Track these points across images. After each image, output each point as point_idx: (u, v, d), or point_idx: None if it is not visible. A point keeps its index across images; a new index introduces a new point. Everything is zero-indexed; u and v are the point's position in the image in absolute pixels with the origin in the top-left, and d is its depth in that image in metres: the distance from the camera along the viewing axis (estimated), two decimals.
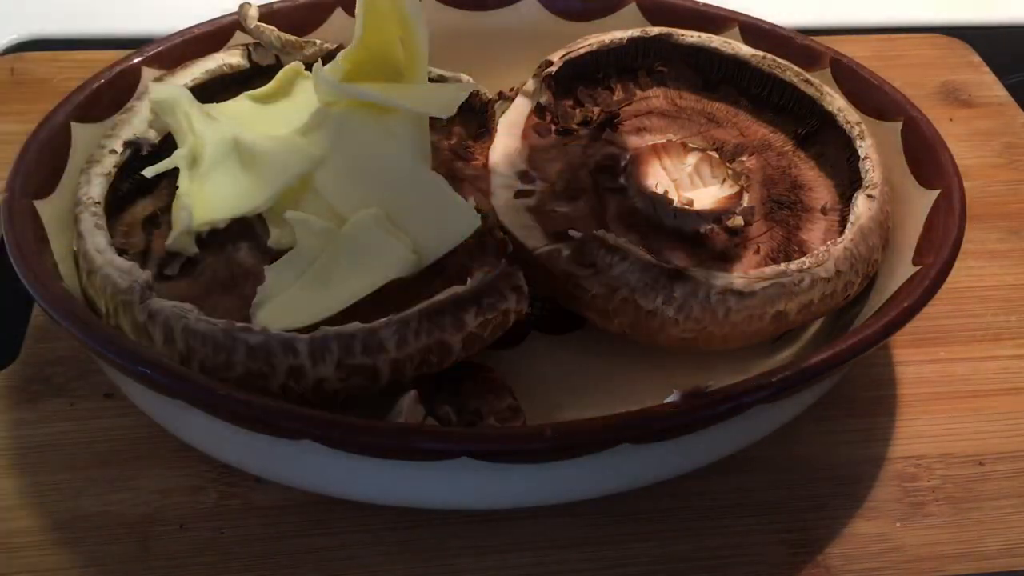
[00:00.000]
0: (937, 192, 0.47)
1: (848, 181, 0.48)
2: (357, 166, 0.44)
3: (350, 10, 0.53)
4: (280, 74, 0.49)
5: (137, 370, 0.37)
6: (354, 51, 0.45)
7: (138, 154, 0.47)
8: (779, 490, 0.44)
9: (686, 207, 0.46)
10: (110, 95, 0.49)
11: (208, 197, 0.44)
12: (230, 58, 0.51)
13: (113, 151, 0.46)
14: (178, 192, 0.44)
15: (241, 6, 0.52)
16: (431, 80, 0.51)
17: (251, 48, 0.52)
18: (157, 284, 0.41)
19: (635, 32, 0.53)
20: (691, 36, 0.53)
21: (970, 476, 0.45)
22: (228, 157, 0.45)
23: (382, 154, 0.44)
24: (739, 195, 0.47)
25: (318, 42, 0.52)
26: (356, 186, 0.43)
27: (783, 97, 0.52)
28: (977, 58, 0.70)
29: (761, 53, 0.52)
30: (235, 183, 0.44)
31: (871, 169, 0.47)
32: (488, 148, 0.49)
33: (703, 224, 0.46)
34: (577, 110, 0.51)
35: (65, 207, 0.45)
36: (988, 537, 0.43)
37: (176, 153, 0.45)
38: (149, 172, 0.45)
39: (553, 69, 0.51)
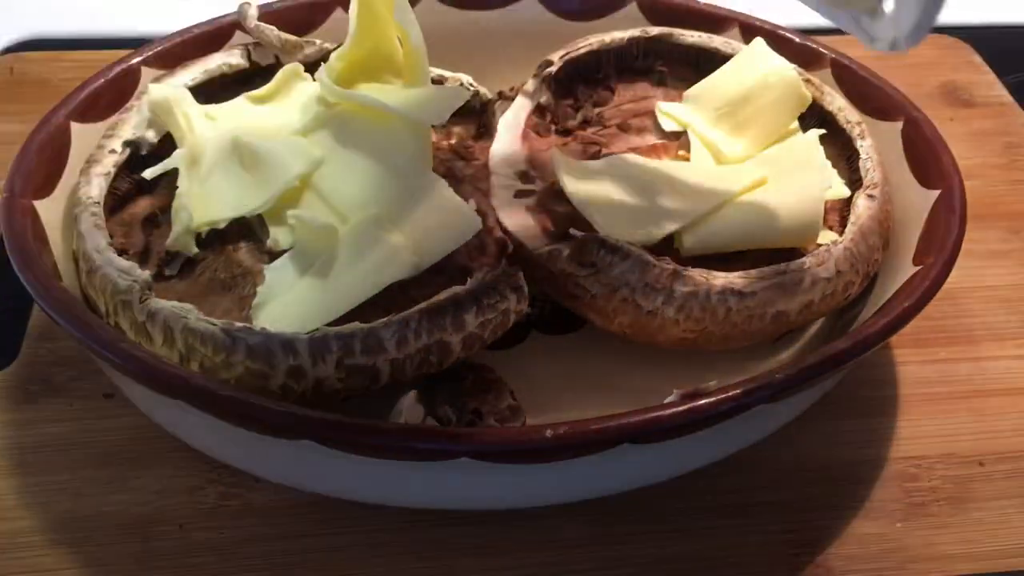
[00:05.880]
0: (937, 192, 0.47)
1: (848, 181, 0.48)
2: (357, 167, 0.44)
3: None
4: (280, 74, 0.49)
5: (137, 370, 0.37)
6: (348, 50, 0.45)
7: (138, 154, 0.47)
8: (779, 490, 0.44)
9: None
10: (110, 95, 0.49)
11: (208, 197, 0.44)
12: (230, 58, 0.51)
13: (113, 151, 0.46)
14: (178, 192, 0.44)
15: (241, 6, 0.52)
16: (432, 81, 0.50)
17: (251, 48, 0.52)
18: (157, 284, 0.41)
19: (635, 32, 0.53)
20: (691, 36, 0.53)
21: (970, 476, 0.45)
22: (228, 157, 0.44)
23: (383, 155, 0.44)
24: None
25: (318, 42, 0.52)
26: (356, 187, 0.43)
27: None
28: (977, 58, 0.70)
29: None
30: (235, 183, 0.44)
31: (871, 169, 0.47)
32: (488, 148, 0.49)
33: None
34: (577, 110, 0.51)
35: (65, 207, 0.45)
36: (988, 537, 0.43)
37: (175, 154, 0.45)
38: (149, 174, 0.45)
39: (553, 69, 0.51)
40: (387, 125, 0.44)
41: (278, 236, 0.43)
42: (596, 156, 0.48)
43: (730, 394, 0.37)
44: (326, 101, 0.46)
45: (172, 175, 0.45)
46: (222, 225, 0.43)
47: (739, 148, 0.48)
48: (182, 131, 0.46)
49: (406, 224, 0.42)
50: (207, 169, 0.44)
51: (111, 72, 0.49)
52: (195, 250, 0.43)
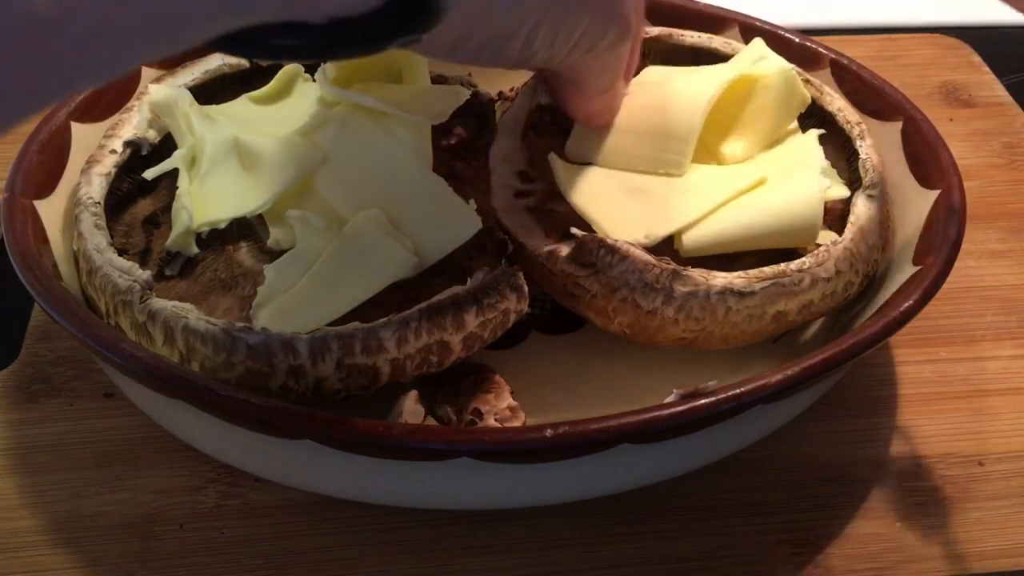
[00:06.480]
0: (937, 192, 0.47)
1: (848, 181, 0.48)
2: (358, 167, 0.44)
3: None
4: (280, 74, 0.49)
5: (137, 370, 0.37)
6: None
7: (138, 154, 0.47)
8: (779, 490, 0.44)
9: None
10: (110, 95, 0.49)
11: (208, 198, 0.44)
12: (230, 58, 0.51)
13: (113, 151, 0.46)
14: (178, 192, 0.44)
15: None
16: (432, 80, 0.50)
17: None
18: (157, 284, 0.41)
19: None
20: (691, 36, 0.53)
21: (970, 476, 0.46)
22: (228, 158, 0.44)
23: (383, 155, 0.44)
24: None
25: None
26: (357, 187, 0.43)
27: None
28: (977, 58, 0.70)
29: None
30: (235, 184, 0.44)
31: (871, 169, 0.47)
32: (488, 148, 0.49)
33: None
34: None
35: (65, 207, 0.45)
36: (988, 537, 0.43)
37: (176, 154, 0.45)
38: (149, 174, 0.45)
39: None
40: (387, 125, 0.44)
41: (278, 236, 0.43)
42: None
43: (730, 394, 0.37)
44: (326, 101, 0.46)
45: (173, 175, 0.45)
46: (222, 225, 0.43)
47: (739, 148, 0.48)
48: (182, 131, 0.46)
49: (406, 224, 0.42)
50: (207, 169, 0.44)
51: None
52: (195, 250, 0.43)
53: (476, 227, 0.42)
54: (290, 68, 0.49)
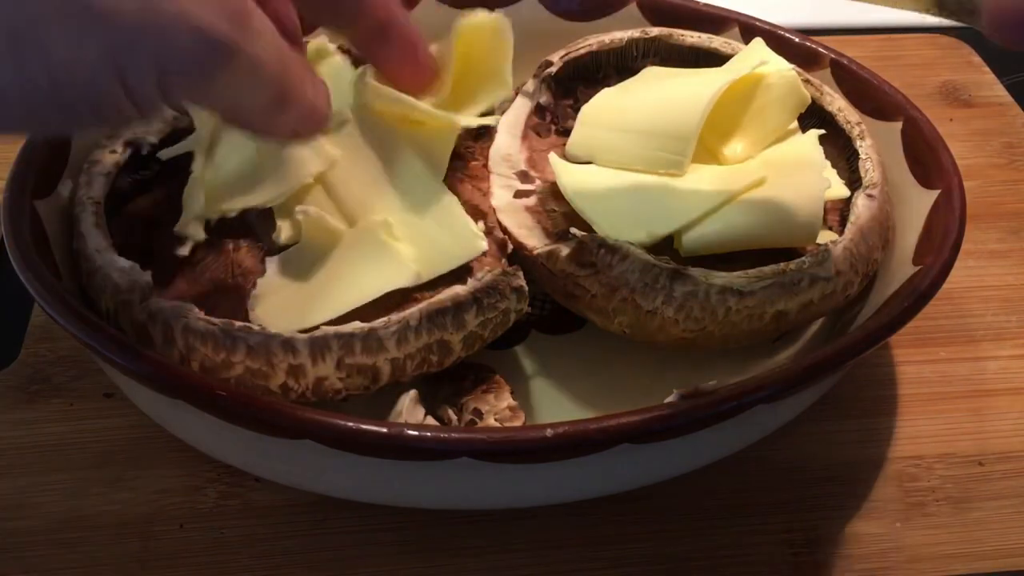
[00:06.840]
0: (937, 192, 0.47)
1: (848, 181, 0.48)
2: (372, 172, 0.44)
3: None
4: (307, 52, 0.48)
5: (137, 370, 0.37)
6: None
7: (138, 154, 0.47)
8: (779, 490, 0.44)
9: None
10: None
11: (222, 185, 0.43)
12: None
13: (113, 151, 0.46)
14: (191, 176, 0.44)
15: None
16: None
17: None
18: (157, 284, 0.41)
19: (635, 32, 0.53)
20: (691, 36, 0.53)
21: (970, 476, 0.46)
22: (245, 147, 0.44)
23: (399, 164, 0.44)
24: None
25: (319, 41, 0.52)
26: (368, 192, 0.43)
27: None
28: (977, 58, 0.70)
29: None
30: (250, 174, 0.44)
31: (871, 169, 0.47)
32: (488, 148, 0.49)
33: None
34: (577, 110, 0.51)
35: (65, 207, 0.45)
36: (988, 537, 0.43)
37: (191, 137, 0.45)
38: (164, 154, 0.45)
39: (553, 69, 0.51)
40: (410, 135, 0.44)
41: (284, 230, 0.43)
42: None
43: (730, 394, 0.37)
44: (349, 102, 0.45)
45: (173, 175, 0.45)
46: (232, 214, 0.43)
47: (739, 148, 0.48)
48: (201, 115, 0.45)
49: (413, 234, 0.42)
50: (223, 156, 0.44)
51: None
52: (203, 236, 0.43)
53: (479, 250, 0.43)
54: (317, 43, 0.48)
